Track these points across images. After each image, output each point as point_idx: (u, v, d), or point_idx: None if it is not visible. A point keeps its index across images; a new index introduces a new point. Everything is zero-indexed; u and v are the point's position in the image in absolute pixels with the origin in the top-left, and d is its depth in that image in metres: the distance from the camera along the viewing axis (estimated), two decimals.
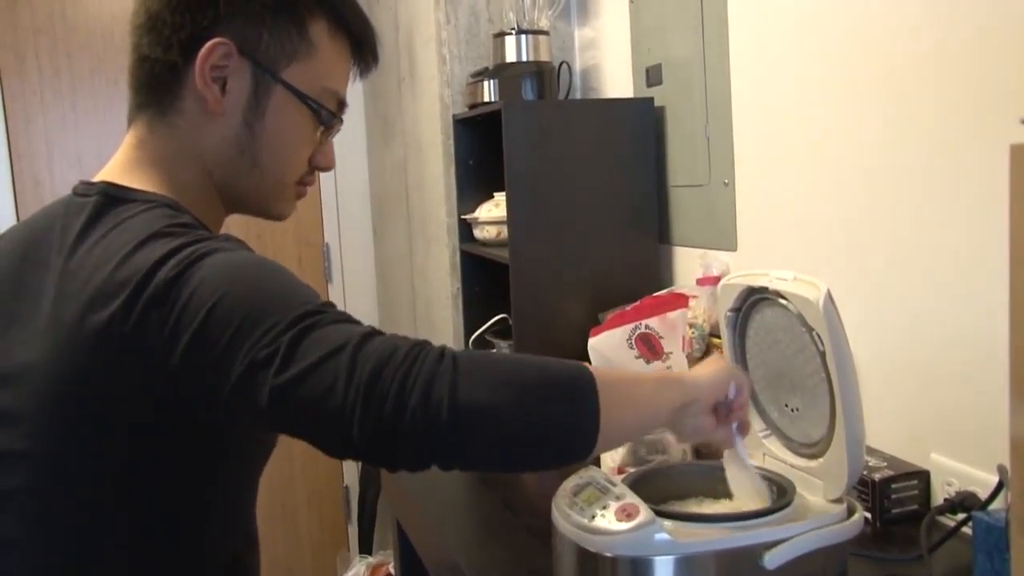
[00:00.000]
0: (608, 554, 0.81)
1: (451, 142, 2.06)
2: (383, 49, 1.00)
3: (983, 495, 1.04)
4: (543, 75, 1.96)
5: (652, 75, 1.85)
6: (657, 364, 1.47)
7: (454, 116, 2.04)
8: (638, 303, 1.61)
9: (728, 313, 1.03)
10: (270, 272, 0.76)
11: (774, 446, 0.99)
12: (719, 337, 1.08)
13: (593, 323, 1.72)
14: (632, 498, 0.83)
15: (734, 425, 0.89)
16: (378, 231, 3.15)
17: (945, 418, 1.20)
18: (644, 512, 0.81)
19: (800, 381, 0.94)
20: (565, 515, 0.85)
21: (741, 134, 1.60)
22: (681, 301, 1.56)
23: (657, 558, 0.81)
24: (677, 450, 1.28)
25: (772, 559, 0.81)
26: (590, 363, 1.60)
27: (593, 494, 0.85)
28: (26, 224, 0.91)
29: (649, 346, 1.56)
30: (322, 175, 0.98)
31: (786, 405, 0.98)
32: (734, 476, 0.92)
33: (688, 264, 1.78)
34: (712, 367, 0.88)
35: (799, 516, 0.85)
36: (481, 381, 0.69)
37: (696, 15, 1.68)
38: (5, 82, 2.94)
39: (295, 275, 0.77)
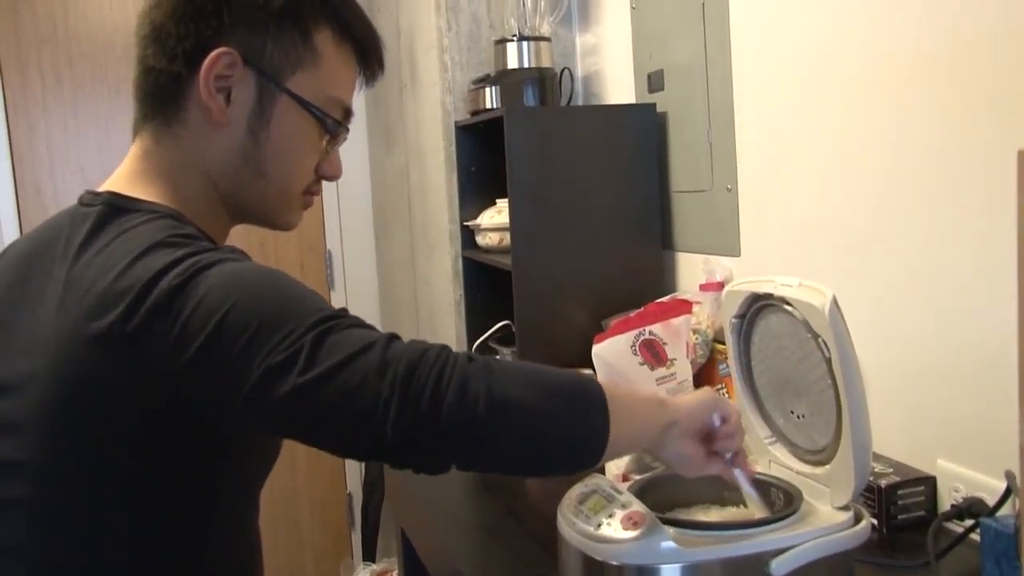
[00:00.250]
0: (614, 562, 0.81)
1: (453, 149, 2.06)
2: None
3: (990, 501, 1.04)
4: (545, 81, 1.96)
5: (654, 81, 1.85)
6: (661, 370, 1.47)
7: (456, 123, 2.05)
8: (642, 309, 1.61)
9: (733, 320, 1.02)
10: (278, 280, 0.77)
11: (780, 453, 0.99)
12: (723, 343, 1.08)
13: (596, 329, 1.72)
14: (638, 506, 0.83)
15: (728, 455, 0.88)
16: (380, 238, 3.15)
17: (951, 424, 1.20)
18: (650, 520, 0.81)
19: (806, 388, 0.94)
20: (571, 523, 0.85)
21: (744, 139, 1.60)
22: (685, 307, 1.56)
23: (664, 566, 0.81)
24: None
25: (779, 567, 0.81)
26: (594, 370, 1.61)
27: (599, 502, 0.85)
28: (33, 234, 0.91)
29: (653, 352, 1.56)
30: (325, 182, 0.98)
31: (792, 412, 0.98)
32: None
33: (691, 270, 1.79)
34: (696, 394, 0.88)
35: (806, 523, 0.85)
36: (513, 382, 0.71)
37: (698, 20, 1.68)
38: (8, 90, 2.96)
39: (303, 283, 0.78)
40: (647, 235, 1.83)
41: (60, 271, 0.81)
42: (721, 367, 1.59)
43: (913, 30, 1.20)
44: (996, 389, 1.12)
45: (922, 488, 1.17)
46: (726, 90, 1.62)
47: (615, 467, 1.29)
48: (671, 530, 0.82)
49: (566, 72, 2.07)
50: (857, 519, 0.87)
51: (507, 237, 1.80)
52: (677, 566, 0.81)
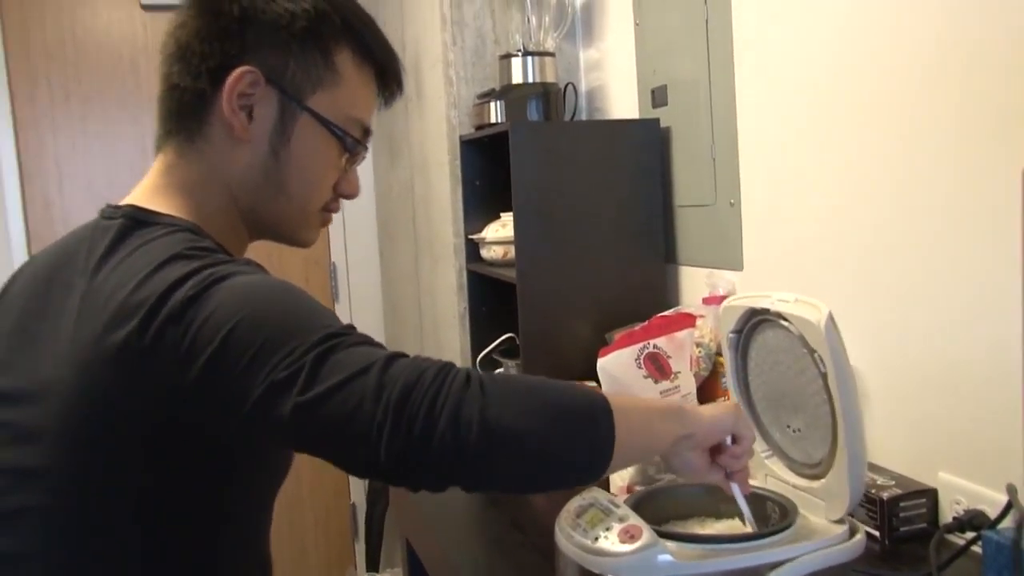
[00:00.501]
0: None
1: (458, 162, 2.07)
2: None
3: (992, 514, 1.05)
4: (549, 96, 1.97)
5: (658, 96, 1.86)
6: (665, 384, 1.48)
7: (461, 137, 2.06)
8: (647, 323, 1.62)
9: (730, 335, 1.04)
10: (289, 295, 0.77)
11: (776, 467, 1.00)
12: None
13: (600, 342, 1.73)
14: (635, 519, 0.84)
15: (728, 473, 0.89)
16: (385, 251, 3.17)
17: (953, 437, 1.21)
18: (647, 534, 0.82)
19: (802, 402, 0.95)
20: (568, 536, 0.86)
21: (747, 154, 1.60)
22: (689, 321, 1.57)
23: None
24: None
25: None
26: (599, 383, 1.62)
27: (596, 515, 0.86)
28: (55, 246, 0.93)
29: (657, 366, 1.57)
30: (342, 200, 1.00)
31: (788, 426, 0.99)
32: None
33: (694, 283, 1.79)
34: (719, 409, 0.88)
35: (801, 537, 0.86)
36: (508, 405, 0.70)
37: (701, 36, 1.69)
38: (17, 105, 3.00)
39: (313, 297, 0.78)
40: (651, 249, 1.84)
41: (81, 283, 0.83)
42: (724, 380, 1.60)
43: (918, 46, 1.21)
44: (997, 403, 1.12)
45: (924, 500, 1.17)
46: (729, 105, 1.63)
47: (620, 479, 1.30)
48: (668, 543, 0.82)
49: (570, 87, 2.08)
50: (852, 533, 0.88)
51: (511, 250, 1.81)
52: None
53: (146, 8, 3.07)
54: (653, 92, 1.88)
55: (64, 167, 3.07)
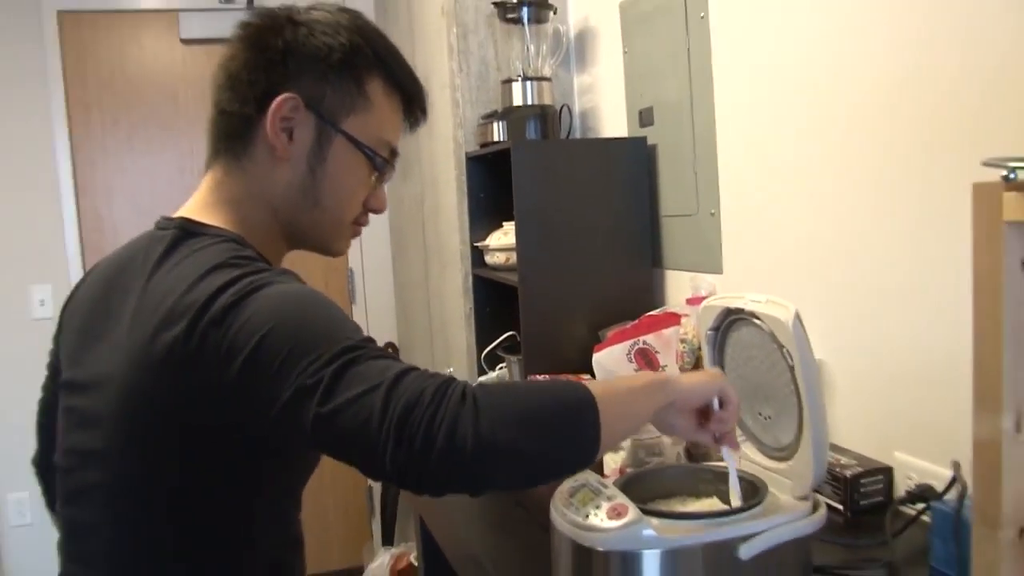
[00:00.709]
0: (601, 548, 0.82)
1: (464, 177, 2.08)
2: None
3: (939, 487, 1.06)
4: (546, 117, 1.98)
5: (644, 116, 1.87)
6: None
7: (467, 154, 2.06)
8: (637, 321, 1.63)
9: (708, 332, 1.04)
10: (318, 306, 0.78)
11: (749, 451, 1.00)
12: None
13: (594, 339, 1.74)
14: (622, 499, 0.84)
15: (715, 435, 0.89)
16: (397, 258, 3.17)
17: (906, 420, 1.22)
18: (632, 511, 0.82)
19: (772, 392, 0.95)
20: (562, 514, 0.86)
21: (726, 169, 1.61)
22: (674, 319, 1.58)
23: (645, 551, 0.82)
24: (671, 452, 1.30)
25: (747, 551, 0.82)
26: (594, 376, 1.63)
27: (587, 495, 0.86)
28: (117, 253, 0.95)
29: (647, 360, 1.59)
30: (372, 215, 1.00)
31: (760, 414, 0.99)
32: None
33: (679, 286, 1.80)
34: (700, 376, 0.88)
35: (770, 512, 0.86)
36: (500, 417, 0.70)
37: (684, 63, 1.70)
38: (74, 129, 3.04)
39: (340, 309, 0.79)
40: (639, 255, 1.84)
41: (137, 285, 0.85)
42: None
43: (881, 70, 1.22)
44: (945, 391, 1.14)
45: (881, 477, 1.19)
46: (709, 124, 1.63)
47: (612, 462, 1.31)
48: (652, 519, 0.83)
49: (565, 108, 2.09)
50: (815, 508, 0.88)
51: (513, 256, 1.82)
52: (657, 551, 0.82)
53: (185, 42, 3.10)
54: (640, 113, 1.88)
55: (113, 184, 3.10)
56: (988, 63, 1.04)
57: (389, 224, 3.18)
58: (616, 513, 0.82)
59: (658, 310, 1.69)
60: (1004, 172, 0.60)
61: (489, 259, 1.98)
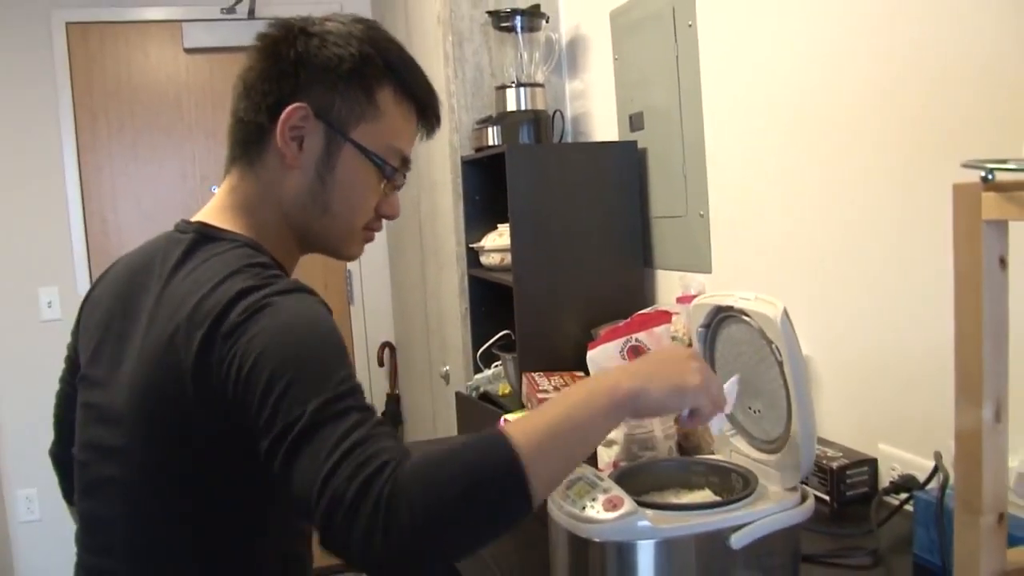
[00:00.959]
0: (597, 539, 0.83)
1: (459, 180, 2.08)
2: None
3: (921, 477, 1.07)
4: (540, 122, 1.98)
5: (635, 121, 1.87)
6: None
7: (462, 158, 2.06)
8: (628, 320, 1.63)
9: (699, 329, 1.04)
10: (314, 342, 0.76)
11: (739, 443, 1.00)
12: None
13: (586, 337, 1.74)
14: (617, 491, 0.84)
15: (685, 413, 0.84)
16: (394, 259, 3.17)
17: (890, 414, 1.22)
18: (628, 503, 0.82)
19: (762, 387, 0.95)
20: (559, 506, 0.86)
21: (714, 171, 1.62)
22: (665, 317, 1.58)
23: (640, 542, 0.82)
24: (664, 447, 1.30)
25: (738, 540, 0.83)
26: (587, 373, 1.62)
27: (583, 488, 0.86)
28: (135, 252, 0.95)
29: (639, 356, 1.59)
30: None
31: (749, 408, 0.99)
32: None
33: (669, 285, 1.80)
34: (675, 381, 0.80)
35: (760, 503, 0.86)
36: (433, 500, 0.66)
37: (672, 69, 1.71)
38: (81, 136, 3.05)
39: (338, 343, 0.76)
40: (631, 255, 1.85)
41: (155, 287, 0.85)
42: None
43: (865, 76, 1.22)
44: (927, 385, 1.14)
45: (866, 468, 1.19)
46: (698, 129, 1.64)
47: (607, 456, 1.31)
48: (646, 511, 0.83)
49: (558, 114, 2.09)
50: (804, 498, 0.89)
51: (508, 257, 1.82)
52: (651, 542, 0.82)
53: (188, 52, 3.10)
54: (631, 118, 1.89)
55: (118, 188, 3.10)
56: (969, 70, 1.05)
57: (387, 226, 3.18)
58: (612, 505, 0.82)
59: (649, 308, 1.70)
60: (983, 173, 0.61)
61: (484, 260, 1.98)
